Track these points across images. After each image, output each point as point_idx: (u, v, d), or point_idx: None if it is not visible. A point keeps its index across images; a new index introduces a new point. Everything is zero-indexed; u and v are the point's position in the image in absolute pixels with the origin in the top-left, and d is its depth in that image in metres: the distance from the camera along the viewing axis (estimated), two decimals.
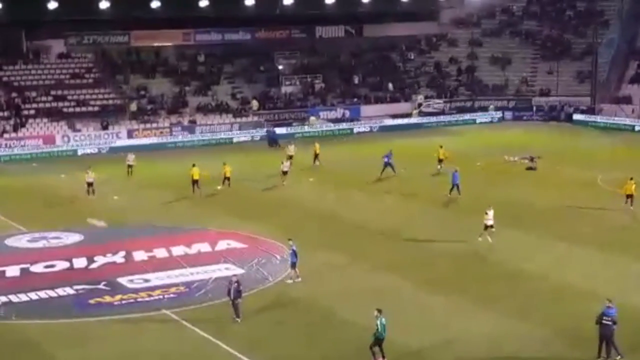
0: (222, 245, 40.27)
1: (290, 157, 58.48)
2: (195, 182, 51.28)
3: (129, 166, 57.69)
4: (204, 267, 36.85)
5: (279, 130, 75.45)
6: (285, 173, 53.76)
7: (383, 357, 26.54)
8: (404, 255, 38.73)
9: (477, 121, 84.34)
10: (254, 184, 54.07)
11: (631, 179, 47.49)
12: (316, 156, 60.74)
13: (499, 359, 27.35)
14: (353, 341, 28.02)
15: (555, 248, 39.25)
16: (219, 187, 52.42)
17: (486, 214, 39.96)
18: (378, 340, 26.47)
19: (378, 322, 26.45)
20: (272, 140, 71.83)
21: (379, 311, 26.69)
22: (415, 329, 29.61)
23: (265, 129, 75.55)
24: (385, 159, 56.20)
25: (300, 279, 34.61)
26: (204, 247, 40.03)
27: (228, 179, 52.39)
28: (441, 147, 59.51)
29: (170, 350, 28.31)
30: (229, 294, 30.60)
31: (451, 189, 49.19)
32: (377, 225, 43.78)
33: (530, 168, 60.12)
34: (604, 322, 26.71)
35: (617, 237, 41.05)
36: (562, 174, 56.75)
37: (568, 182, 54.01)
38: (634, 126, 78.41)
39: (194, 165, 52.34)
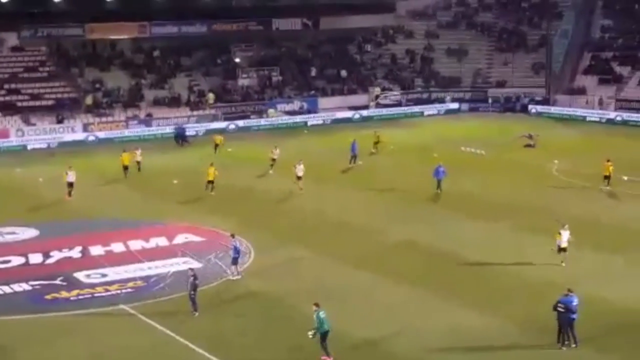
0: (180, 238, 40.08)
1: (274, 160, 55.30)
2: (125, 167, 54.29)
3: (137, 162, 55.62)
4: (162, 261, 36.65)
5: (243, 123, 75.62)
6: (300, 178, 49.67)
7: (328, 355, 26.35)
8: (367, 248, 38.70)
9: (434, 112, 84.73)
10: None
11: (608, 160, 49.53)
12: (216, 146, 63.44)
13: (462, 349, 27.55)
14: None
15: (515, 239, 39.53)
16: (175, 181, 52.11)
17: (559, 234, 35.46)
18: (322, 335, 26.35)
19: (315, 317, 26.31)
20: (180, 137, 69.48)
21: (317, 305, 26.59)
22: (377, 321, 29.75)
23: (174, 126, 73.03)
24: (352, 150, 57.68)
25: (240, 276, 34.38)
26: (162, 241, 39.80)
27: (211, 182, 49.04)
28: (375, 131, 62.74)
29: (127, 345, 28.11)
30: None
31: (438, 185, 48.60)
32: (342, 218, 43.77)
33: (528, 145, 63.58)
34: (558, 309, 27.18)
35: (576, 228, 41.25)
36: (518, 165, 57.22)
37: (524, 173, 54.47)
38: (585, 117, 79.43)
39: (124, 151, 55.39)
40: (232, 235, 35.85)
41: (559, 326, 27.29)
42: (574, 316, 27.25)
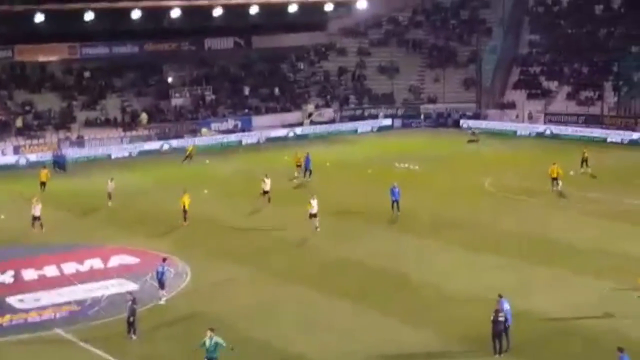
0: (114, 260, 39.67)
1: (266, 192, 50.54)
2: (42, 183, 55.54)
3: (109, 194, 51.75)
4: (97, 283, 36.25)
5: (176, 143, 75.18)
6: (315, 215, 44.10)
7: None
8: (305, 265, 38.79)
9: (367, 129, 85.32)
10: (149, 198, 53.52)
11: (554, 163, 52.33)
12: (189, 157, 66.65)
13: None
14: (251, 357, 27.96)
15: (447, 254, 39.89)
16: (110, 204, 51.51)
17: None
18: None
19: (208, 341, 25.92)
20: (59, 164, 66.39)
21: (212, 330, 26.23)
22: (315, 338, 29.90)
23: (52, 152, 69.76)
24: (306, 162, 58.31)
25: (163, 302, 33.82)
26: (96, 263, 39.36)
27: (185, 212, 46.04)
28: (296, 152, 61.61)
29: None
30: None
31: (392, 206, 47.33)
32: (280, 236, 43.84)
33: (471, 141, 73.87)
34: (499, 319, 27.61)
35: (508, 241, 41.89)
36: (452, 180, 57.86)
37: (458, 187, 55.07)
38: (515, 131, 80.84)
39: (44, 167, 58.24)
40: (164, 260, 35.09)
41: (494, 335, 27.63)
42: (509, 321, 27.83)
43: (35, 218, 45.74)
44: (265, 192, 50.42)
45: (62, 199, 53.43)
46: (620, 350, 24.36)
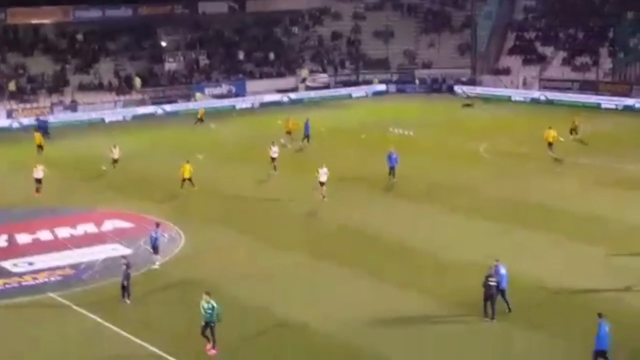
0: (108, 225, 39.61)
1: (274, 159, 49.89)
2: (39, 146, 55.77)
3: (115, 160, 51.25)
4: (91, 248, 36.22)
5: (170, 108, 74.81)
6: (323, 184, 43.62)
7: (210, 341, 25.81)
8: (300, 231, 38.77)
9: (362, 94, 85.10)
10: (144, 163, 53.34)
11: (550, 127, 52.23)
12: (200, 120, 67.29)
13: (393, 328, 27.73)
14: (242, 321, 27.94)
15: (444, 220, 39.83)
16: (103, 168, 51.38)
17: None
18: (207, 324, 25.83)
19: (205, 304, 25.71)
20: (41, 129, 63.99)
21: (208, 294, 26.02)
22: (302, 302, 29.89)
23: (35, 118, 69.00)
24: (306, 129, 57.80)
25: (157, 266, 33.75)
26: (90, 227, 39.28)
27: (189, 180, 45.37)
28: (288, 118, 61.12)
29: (57, 334, 27.72)
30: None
31: (389, 172, 46.94)
32: (277, 202, 43.60)
33: (466, 105, 75.05)
34: (490, 283, 27.57)
35: (503, 207, 41.83)
36: (446, 145, 57.76)
37: (453, 153, 54.98)
38: (510, 96, 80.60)
39: (36, 130, 59.84)
40: (157, 225, 35.04)
41: (486, 298, 27.63)
42: (503, 285, 27.85)
43: (37, 180, 45.49)
44: (272, 159, 49.90)
45: (57, 163, 53.11)
46: (600, 316, 24.21)
